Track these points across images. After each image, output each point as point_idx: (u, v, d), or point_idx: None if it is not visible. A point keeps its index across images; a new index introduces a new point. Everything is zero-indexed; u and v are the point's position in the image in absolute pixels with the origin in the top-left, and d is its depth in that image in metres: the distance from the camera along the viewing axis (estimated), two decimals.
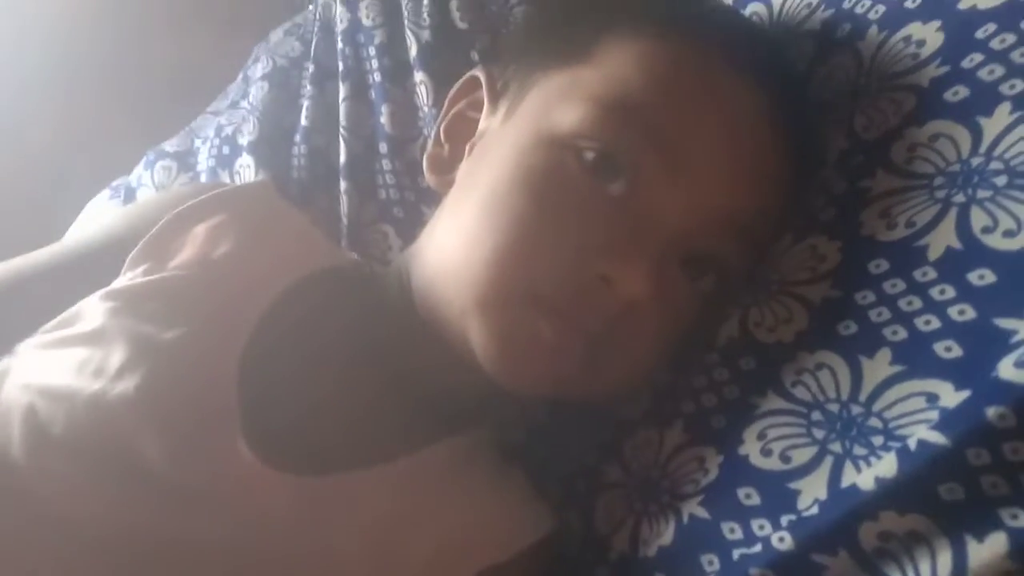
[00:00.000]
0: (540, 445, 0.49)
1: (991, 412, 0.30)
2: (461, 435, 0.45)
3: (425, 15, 0.69)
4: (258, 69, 0.79)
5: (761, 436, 0.37)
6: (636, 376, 0.43)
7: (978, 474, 0.30)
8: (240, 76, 0.83)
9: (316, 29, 0.78)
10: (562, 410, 0.49)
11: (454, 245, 0.43)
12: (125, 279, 0.44)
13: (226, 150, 0.71)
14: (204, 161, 0.72)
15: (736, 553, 0.35)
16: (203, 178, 0.71)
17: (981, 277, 0.34)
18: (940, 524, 0.31)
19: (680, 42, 0.43)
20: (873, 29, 0.45)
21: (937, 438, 0.31)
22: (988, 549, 0.30)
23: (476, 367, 0.41)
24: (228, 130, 0.73)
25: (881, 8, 0.45)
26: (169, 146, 0.78)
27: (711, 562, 0.36)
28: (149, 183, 0.74)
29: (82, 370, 0.39)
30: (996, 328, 0.32)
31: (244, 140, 0.70)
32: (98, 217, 0.77)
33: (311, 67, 0.74)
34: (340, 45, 0.73)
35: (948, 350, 0.33)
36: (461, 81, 0.51)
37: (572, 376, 0.41)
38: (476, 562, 0.40)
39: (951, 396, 0.32)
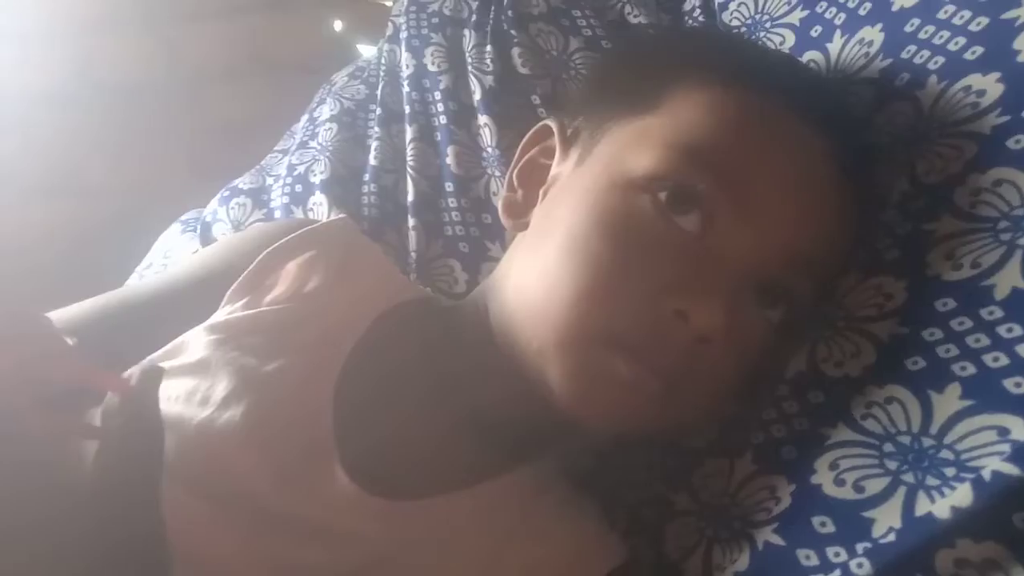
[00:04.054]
0: (608, 474, 0.51)
1: None
2: (532, 464, 0.47)
3: (488, 61, 0.73)
4: (325, 111, 0.83)
5: (833, 466, 0.38)
6: (711, 410, 0.44)
7: None
8: (305, 117, 0.88)
9: (382, 73, 0.82)
10: (630, 440, 0.50)
11: (534, 286, 0.45)
12: (225, 312, 0.48)
13: (299, 188, 0.75)
14: (278, 198, 0.76)
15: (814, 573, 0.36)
16: (277, 215, 0.74)
17: None
18: (1015, 551, 0.32)
19: (745, 90, 0.45)
20: (932, 78, 0.47)
21: (1011, 470, 0.32)
22: None
23: (551, 402, 0.42)
24: (300, 169, 0.77)
25: (940, 59, 0.47)
26: (243, 184, 0.82)
27: None
28: (225, 218, 0.78)
29: (190, 399, 0.42)
30: None
31: (316, 179, 0.74)
32: (179, 251, 0.81)
33: (378, 110, 0.78)
34: (407, 89, 0.77)
35: (1018, 386, 0.35)
36: (533, 130, 0.54)
37: (647, 412, 0.42)
38: None
39: (1022, 430, 0.34)
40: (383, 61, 0.84)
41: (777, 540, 0.38)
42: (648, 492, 0.49)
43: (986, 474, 0.33)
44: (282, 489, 0.39)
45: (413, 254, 0.67)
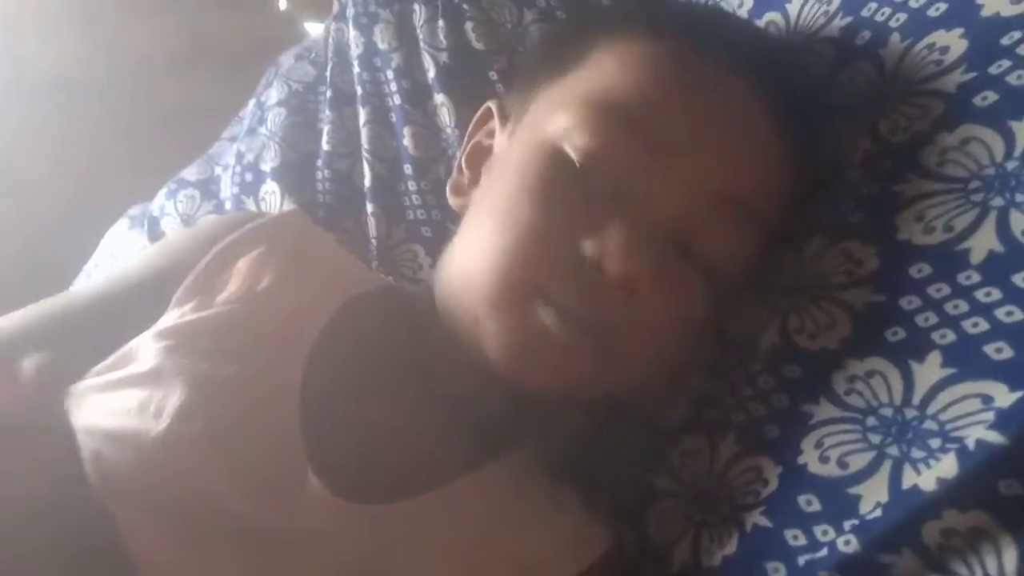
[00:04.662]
0: (586, 461, 0.50)
1: None
2: (506, 457, 0.46)
3: (441, 37, 0.70)
4: (272, 95, 0.80)
5: (818, 445, 0.38)
6: (651, 366, 0.43)
7: None
8: (253, 102, 0.84)
9: (330, 54, 0.79)
10: (603, 423, 0.50)
11: (468, 257, 0.45)
12: (174, 316, 0.45)
13: (249, 177, 0.72)
14: (227, 188, 0.73)
15: (802, 559, 0.36)
16: (227, 206, 0.72)
17: None
18: (1002, 520, 0.32)
19: (663, 40, 0.45)
20: (895, 36, 0.46)
21: (995, 437, 0.32)
22: None
23: (493, 372, 0.42)
24: (249, 157, 0.74)
25: (903, 16, 0.46)
26: (189, 175, 0.79)
27: (776, 569, 0.36)
28: (173, 212, 0.75)
29: (143, 411, 0.39)
30: None
31: (267, 166, 0.71)
32: (127, 248, 0.77)
33: (329, 92, 0.75)
34: (357, 69, 0.74)
35: (999, 351, 0.34)
36: (478, 113, 0.54)
37: (584, 370, 0.42)
38: None
39: (1005, 396, 0.33)
40: (331, 41, 0.80)
41: (764, 522, 0.38)
42: (627, 475, 0.48)
43: (970, 443, 0.32)
44: (254, 502, 0.37)
45: (374, 241, 0.65)
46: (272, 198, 0.69)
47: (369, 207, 0.67)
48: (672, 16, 0.50)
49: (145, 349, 0.43)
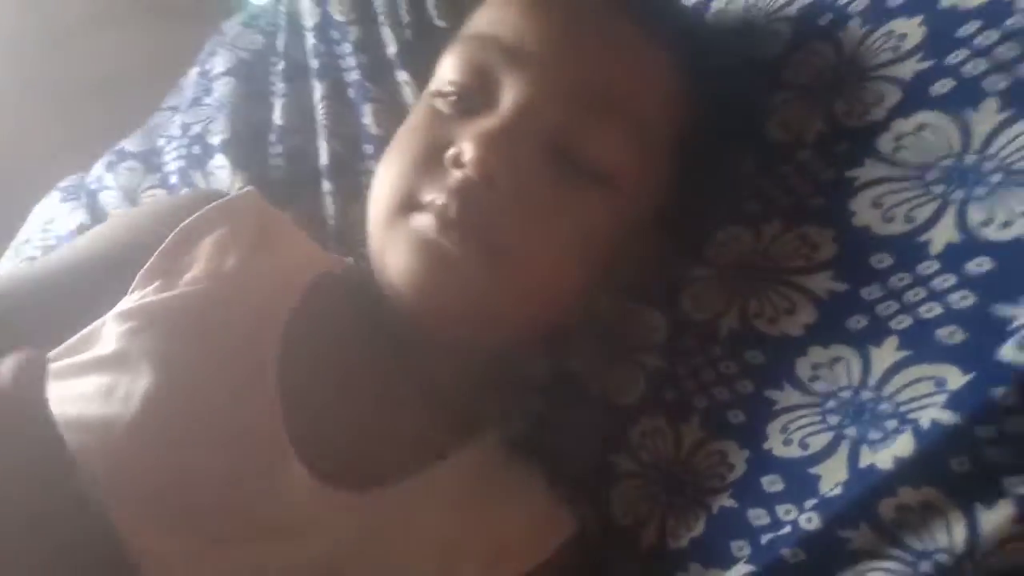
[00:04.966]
0: (544, 440, 0.50)
1: (997, 392, 0.32)
2: (477, 442, 0.46)
3: (403, 12, 0.68)
4: (218, 63, 0.77)
5: (783, 430, 0.39)
6: (543, 285, 0.44)
7: (984, 448, 0.33)
8: (196, 71, 0.81)
9: (282, 23, 0.76)
10: (558, 401, 0.50)
11: (371, 204, 0.48)
12: (136, 297, 0.43)
13: (196, 149, 0.69)
14: (173, 161, 0.70)
15: (764, 537, 0.37)
16: (173, 180, 0.69)
17: (979, 265, 0.36)
18: (951, 495, 0.34)
19: None
20: (856, 20, 0.47)
21: (949, 417, 0.33)
22: (997, 515, 0.32)
23: (398, 303, 0.44)
24: (196, 128, 0.71)
25: (863, 2, 0.46)
26: (130, 146, 0.75)
27: (741, 548, 0.38)
28: (113, 185, 0.71)
29: (109, 397, 0.38)
30: (995, 314, 0.35)
31: (215, 139, 0.69)
32: (62, 223, 0.74)
33: (281, 63, 0.72)
34: (312, 41, 0.71)
35: (952, 335, 0.36)
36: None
37: (480, 286, 0.42)
38: (515, 568, 0.41)
39: (958, 379, 0.35)
40: (282, 8, 0.77)
41: (731, 503, 0.39)
42: (583, 452, 0.48)
43: (924, 423, 0.34)
44: (237, 490, 0.37)
45: (331, 221, 0.64)
46: (222, 173, 0.66)
47: (325, 185, 0.65)
48: None
49: (107, 331, 0.41)
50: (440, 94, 0.46)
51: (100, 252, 0.49)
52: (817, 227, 0.43)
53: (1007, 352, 0.33)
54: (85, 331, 0.42)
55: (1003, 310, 0.35)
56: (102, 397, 0.38)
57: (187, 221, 0.46)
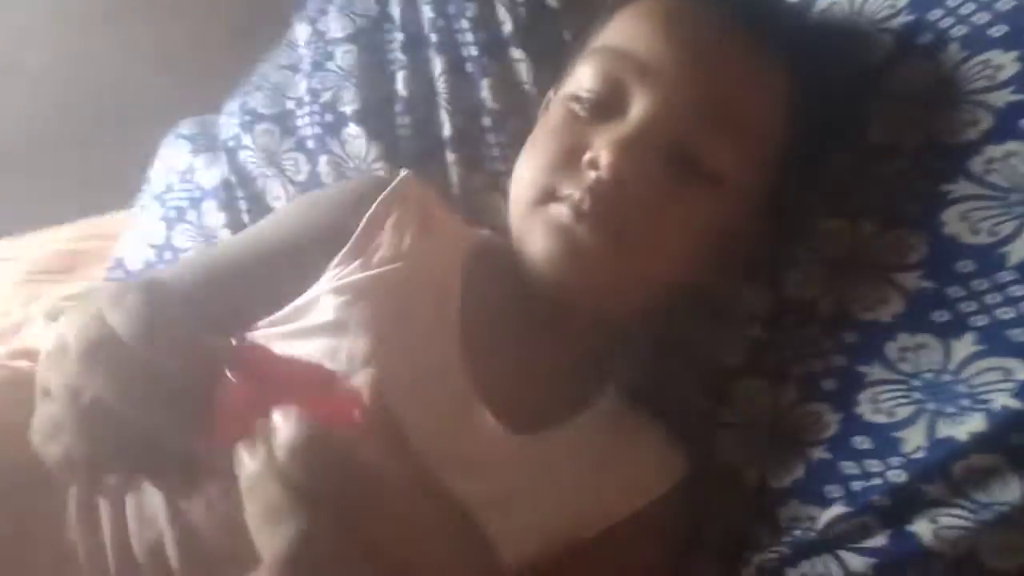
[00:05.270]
0: (657, 392, 0.60)
1: None
2: (605, 394, 0.56)
3: None
4: (335, 27, 0.82)
5: (872, 400, 0.48)
6: (661, 269, 0.52)
7: None
8: (308, 29, 0.85)
9: None
10: (668, 358, 0.60)
11: (512, 194, 0.56)
12: (342, 273, 0.53)
13: (329, 118, 0.76)
14: (307, 127, 0.77)
15: (856, 485, 0.47)
16: (310, 144, 0.76)
17: None
18: (1010, 462, 0.43)
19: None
20: (955, 45, 0.53)
21: (1015, 403, 0.43)
22: None
23: (538, 278, 0.52)
24: (326, 96, 0.78)
25: (964, 29, 0.53)
26: (260, 106, 0.81)
27: (833, 492, 0.48)
28: (251, 145, 0.79)
29: (335, 357, 0.48)
30: None
31: (347, 108, 0.76)
32: (201, 174, 0.82)
33: (400, 35, 0.78)
34: (430, 15, 0.77)
35: (1021, 335, 0.44)
36: (543, 104, 0.63)
37: (607, 266, 0.50)
38: (640, 501, 0.52)
39: (1023, 371, 0.44)
40: None
41: (826, 455, 0.49)
42: (692, 403, 0.58)
43: (995, 406, 0.43)
44: (437, 431, 0.45)
45: (457, 188, 0.72)
46: (358, 142, 0.74)
47: (450, 156, 0.72)
48: None
49: (324, 303, 0.51)
50: (577, 99, 0.54)
51: (293, 234, 0.58)
52: (911, 230, 0.51)
53: None
54: (299, 302, 0.52)
55: None
56: (328, 357, 0.48)
57: (371, 211, 0.55)
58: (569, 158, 0.52)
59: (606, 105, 0.53)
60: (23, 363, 0.56)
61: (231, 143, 0.81)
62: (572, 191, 0.50)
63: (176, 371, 0.30)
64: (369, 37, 0.80)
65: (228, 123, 0.84)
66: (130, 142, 0.92)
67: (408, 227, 0.55)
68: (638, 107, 0.51)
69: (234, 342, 0.31)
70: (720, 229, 0.53)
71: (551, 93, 0.63)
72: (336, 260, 0.53)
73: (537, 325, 0.55)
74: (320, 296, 0.51)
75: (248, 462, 0.28)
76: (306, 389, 0.31)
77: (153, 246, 0.81)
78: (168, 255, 0.80)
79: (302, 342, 0.50)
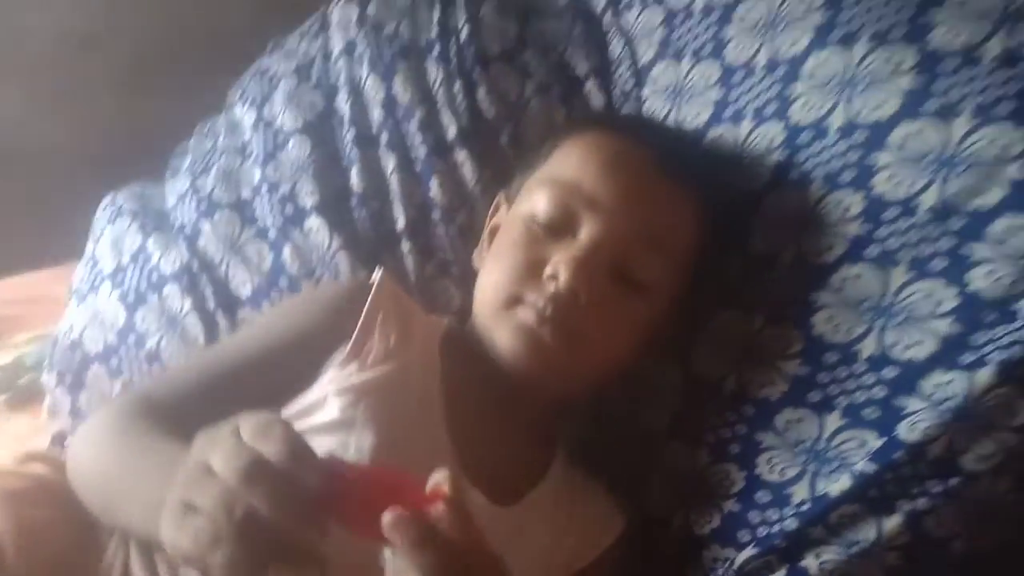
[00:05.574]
0: (598, 457, 0.73)
1: (895, 454, 0.58)
2: (560, 459, 0.68)
3: (459, 101, 0.85)
4: (285, 117, 0.89)
5: (768, 461, 0.63)
6: (605, 360, 0.66)
7: (886, 485, 0.59)
8: (252, 112, 0.93)
9: (340, 83, 0.90)
10: (604, 430, 0.73)
11: (480, 293, 0.68)
12: (343, 375, 0.62)
13: (289, 209, 0.84)
14: (268, 217, 0.84)
15: (761, 531, 0.62)
16: (272, 234, 0.84)
17: (889, 372, 0.61)
18: (868, 510, 0.59)
19: (598, 134, 0.70)
20: (817, 183, 0.69)
21: (870, 467, 0.59)
22: (891, 522, 0.58)
23: (504, 365, 0.64)
24: (284, 189, 0.85)
25: (823, 170, 0.69)
26: (217, 193, 0.88)
27: (744, 535, 0.63)
28: (212, 233, 0.85)
29: (345, 450, 0.57)
30: (896, 403, 0.60)
31: (306, 202, 0.84)
32: (152, 256, 0.87)
33: (352, 130, 0.87)
34: (380, 116, 0.86)
35: (872, 413, 0.61)
36: (492, 206, 0.77)
37: (561, 359, 0.63)
38: (590, 556, 0.64)
39: (875, 442, 0.60)
40: (339, 69, 0.91)
41: (736, 507, 0.63)
42: (624, 464, 0.72)
43: (856, 469, 0.59)
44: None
45: (412, 276, 0.82)
46: (320, 233, 0.82)
47: (405, 246, 0.82)
48: (608, 120, 0.75)
49: (330, 403, 0.59)
50: (535, 220, 0.67)
51: (288, 337, 0.67)
52: (791, 327, 0.67)
53: (901, 429, 0.58)
54: (305, 403, 0.60)
55: (903, 400, 0.60)
56: (339, 451, 0.57)
57: (362, 318, 0.65)
58: (531, 270, 0.64)
59: (559, 227, 0.66)
60: (39, 467, 0.61)
61: (188, 230, 0.87)
62: (535, 299, 0.63)
63: (314, 484, 0.39)
64: (320, 130, 0.89)
65: (183, 207, 0.89)
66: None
67: (392, 328, 0.65)
68: (587, 232, 0.64)
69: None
70: (646, 325, 0.67)
71: (500, 196, 0.75)
72: (335, 362, 0.62)
73: (505, 407, 0.67)
74: (326, 397, 0.60)
75: (391, 557, 0.38)
76: (397, 490, 0.41)
77: (115, 329, 0.85)
78: (132, 338, 0.84)
79: (315, 438, 0.58)
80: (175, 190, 0.93)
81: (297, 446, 0.40)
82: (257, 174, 0.88)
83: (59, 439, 0.88)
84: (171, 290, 0.85)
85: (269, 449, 0.40)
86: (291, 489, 0.39)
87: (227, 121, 0.98)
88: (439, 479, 0.42)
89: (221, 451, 0.40)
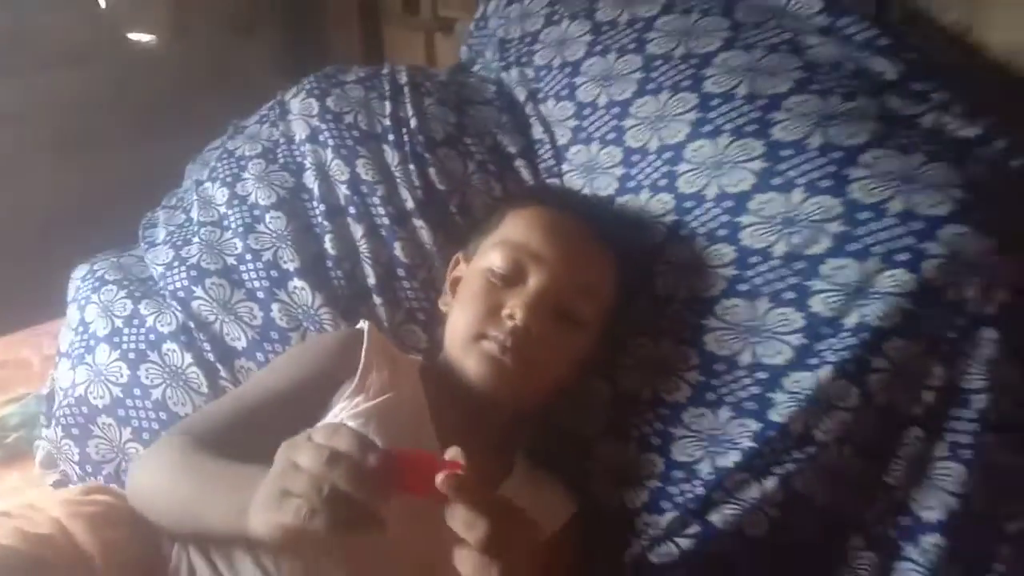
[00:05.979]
0: (549, 453, 0.92)
1: (769, 434, 0.80)
2: (519, 459, 0.87)
3: (414, 178, 1.03)
4: (259, 195, 1.05)
5: (682, 449, 0.85)
6: (553, 381, 0.87)
7: (757, 458, 0.81)
8: (224, 190, 1.08)
9: (307, 164, 1.06)
10: (552, 432, 0.93)
11: (451, 333, 0.87)
12: (353, 404, 0.78)
13: (274, 273, 0.99)
14: (255, 281, 0.99)
15: (679, 499, 0.83)
16: (260, 295, 0.98)
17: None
18: (753, 476, 0.81)
19: (539, 206, 0.91)
20: (700, 239, 0.92)
21: (752, 445, 0.81)
22: (768, 484, 0.81)
23: (472, 389, 0.82)
24: (266, 256, 1.01)
25: (706, 228, 0.92)
26: (204, 262, 1.02)
27: (666, 505, 0.83)
28: (206, 297, 0.99)
29: None
30: (769, 396, 0.83)
31: (289, 266, 0.99)
32: (144, 318, 1.00)
33: (321, 206, 1.03)
34: (347, 192, 1.03)
35: (751, 405, 0.83)
36: (452, 261, 0.97)
37: (518, 382, 0.82)
38: (547, 532, 0.83)
39: (755, 426, 0.82)
40: (304, 152, 1.07)
41: (659, 484, 0.84)
42: (571, 460, 0.91)
43: (744, 446, 0.81)
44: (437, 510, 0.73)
45: (385, 323, 0.99)
46: (304, 293, 0.98)
47: (376, 299, 0.99)
48: (542, 194, 0.97)
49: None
50: (492, 273, 0.86)
51: (300, 378, 0.83)
52: (689, 347, 0.89)
53: (772, 415, 0.81)
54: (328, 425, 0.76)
55: (772, 395, 0.83)
56: None
57: (363, 359, 0.82)
58: (492, 312, 0.83)
59: (512, 278, 0.85)
60: (103, 496, 0.73)
61: (181, 294, 1.00)
62: (497, 334, 0.82)
63: (377, 464, 0.55)
64: (292, 204, 1.05)
65: (172, 275, 1.02)
66: None
67: (384, 366, 0.83)
68: (535, 281, 0.84)
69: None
70: (582, 351, 0.87)
71: (459, 255, 0.94)
72: (344, 395, 0.79)
73: (476, 420, 0.85)
74: (343, 422, 0.76)
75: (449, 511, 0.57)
76: (431, 461, 0.58)
77: (120, 384, 0.97)
78: (137, 391, 0.96)
79: None
80: (158, 260, 1.06)
81: (361, 438, 0.56)
82: (239, 244, 1.02)
83: (60, 484, 0.98)
84: (170, 347, 0.97)
85: (340, 443, 0.56)
86: (361, 469, 0.55)
87: (199, 197, 1.12)
88: (453, 454, 0.59)
89: (304, 450, 0.56)
